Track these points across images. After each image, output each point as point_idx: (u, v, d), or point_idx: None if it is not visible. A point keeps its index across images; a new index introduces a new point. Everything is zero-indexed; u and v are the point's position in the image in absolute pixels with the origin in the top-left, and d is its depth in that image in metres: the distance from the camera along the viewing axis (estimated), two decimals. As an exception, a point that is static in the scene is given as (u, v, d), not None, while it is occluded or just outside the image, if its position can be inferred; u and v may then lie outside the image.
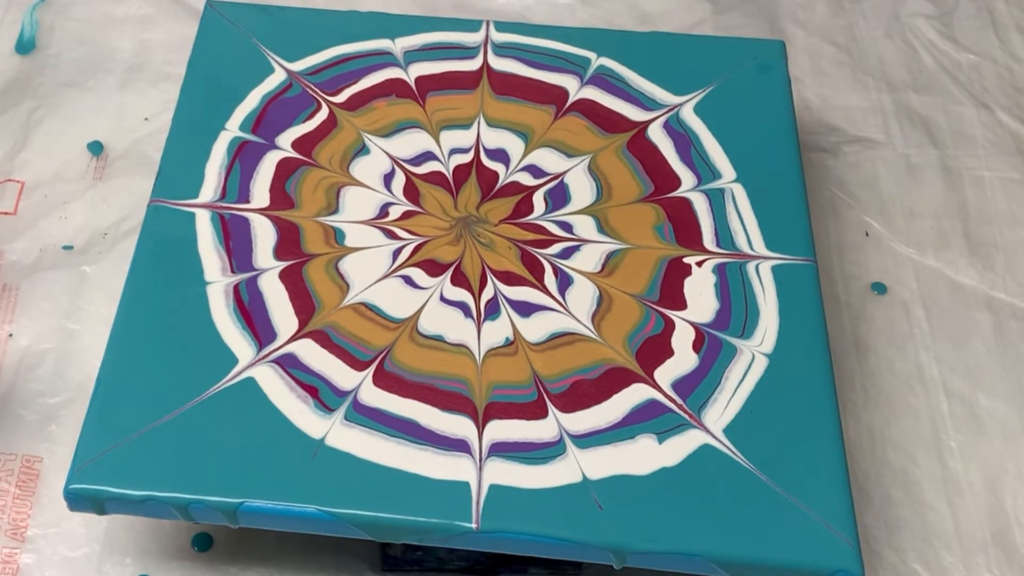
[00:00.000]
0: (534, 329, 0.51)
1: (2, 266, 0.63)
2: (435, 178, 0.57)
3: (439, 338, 0.50)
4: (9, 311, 0.61)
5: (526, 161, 0.58)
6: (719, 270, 0.53)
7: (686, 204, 0.56)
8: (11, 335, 0.61)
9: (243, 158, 0.57)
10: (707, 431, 0.48)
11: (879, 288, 0.65)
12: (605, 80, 0.62)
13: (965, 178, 0.70)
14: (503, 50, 0.63)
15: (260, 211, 0.54)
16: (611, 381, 0.49)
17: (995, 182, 0.71)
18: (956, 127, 0.73)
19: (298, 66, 0.61)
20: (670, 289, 0.53)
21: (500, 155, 0.58)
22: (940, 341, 0.63)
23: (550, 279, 0.53)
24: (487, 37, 0.63)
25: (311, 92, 0.60)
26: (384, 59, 0.62)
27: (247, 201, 0.55)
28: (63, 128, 0.70)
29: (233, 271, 0.52)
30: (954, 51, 0.77)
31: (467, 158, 0.58)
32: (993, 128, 0.73)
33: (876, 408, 0.61)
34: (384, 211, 0.55)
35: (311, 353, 0.49)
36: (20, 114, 0.70)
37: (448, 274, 0.53)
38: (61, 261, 0.63)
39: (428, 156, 0.58)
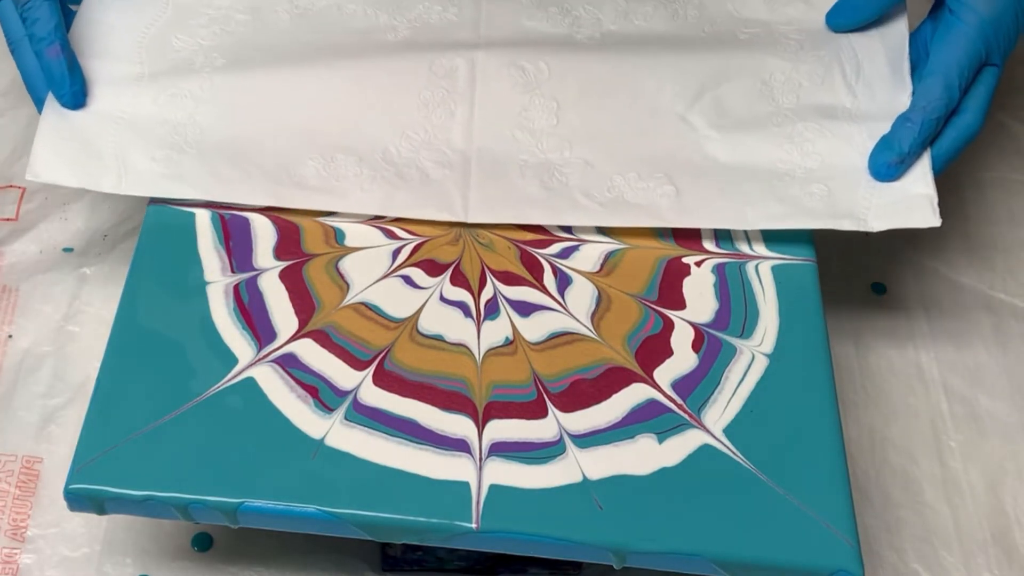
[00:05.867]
0: (533, 329, 0.51)
1: (2, 268, 0.63)
2: (435, 178, 0.57)
3: (439, 338, 0.50)
4: (9, 312, 0.61)
5: (526, 161, 0.58)
6: (718, 270, 0.53)
7: (686, 204, 0.56)
8: (11, 336, 0.61)
9: (243, 159, 0.57)
10: (707, 431, 0.48)
11: (879, 288, 0.65)
12: (605, 81, 0.61)
13: (965, 178, 0.70)
14: (503, 51, 0.62)
15: (260, 211, 0.54)
16: (611, 381, 0.49)
17: (995, 182, 0.71)
18: (956, 127, 0.73)
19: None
20: (669, 289, 0.53)
21: (500, 155, 0.58)
22: (940, 341, 0.63)
23: (549, 279, 0.53)
24: (487, 38, 0.63)
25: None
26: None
27: (247, 201, 0.55)
28: (63, 130, 0.70)
29: (233, 271, 0.52)
30: (954, 52, 0.77)
31: (467, 158, 0.58)
32: (993, 128, 0.73)
33: (876, 408, 0.61)
34: (384, 211, 0.55)
35: (311, 353, 0.49)
36: (20, 118, 0.69)
37: (447, 274, 0.53)
38: (61, 263, 0.63)
39: (428, 156, 0.58)
